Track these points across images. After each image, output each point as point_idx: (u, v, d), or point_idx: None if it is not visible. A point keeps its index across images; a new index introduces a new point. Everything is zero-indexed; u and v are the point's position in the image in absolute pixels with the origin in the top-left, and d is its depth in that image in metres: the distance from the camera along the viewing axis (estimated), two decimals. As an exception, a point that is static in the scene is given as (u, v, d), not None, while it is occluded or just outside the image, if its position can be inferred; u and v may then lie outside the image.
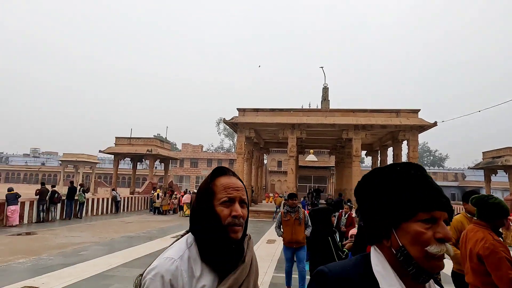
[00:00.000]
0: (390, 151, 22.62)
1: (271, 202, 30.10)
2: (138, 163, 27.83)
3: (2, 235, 10.19)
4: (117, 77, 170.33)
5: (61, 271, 6.06)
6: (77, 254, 7.74)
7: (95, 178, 51.31)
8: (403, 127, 18.66)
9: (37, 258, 7.15)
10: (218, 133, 75.92)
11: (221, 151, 68.14)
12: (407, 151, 19.28)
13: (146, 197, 22.76)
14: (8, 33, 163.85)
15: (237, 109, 20.59)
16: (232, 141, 75.46)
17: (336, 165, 28.92)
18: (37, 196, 13.38)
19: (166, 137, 27.09)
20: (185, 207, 20.50)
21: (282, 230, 5.42)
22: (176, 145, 72.30)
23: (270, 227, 14.52)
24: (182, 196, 20.52)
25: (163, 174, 30.02)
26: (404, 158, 20.72)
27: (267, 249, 9.24)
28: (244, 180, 20.45)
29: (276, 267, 7.12)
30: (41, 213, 13.28)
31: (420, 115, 19.20)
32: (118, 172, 57.25)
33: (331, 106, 23.78)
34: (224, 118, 19.89)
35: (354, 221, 7.74)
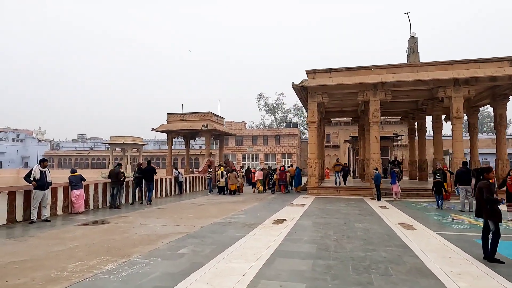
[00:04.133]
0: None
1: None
2: (190, 140, 26.08)
3: (71, 225, 8.42)
4: (157, 59, 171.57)
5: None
6: (176, 253, 5.60)
7: (142, 160, 51.22)
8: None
9: (128, 262, 5.06)
10: (259, 109, 73.44)
11: (263, 128, 65.64)
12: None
13: (204, 177, 20.93)
14: (49, 19, 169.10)
15: (306, 71, 17.73)
16: (274, 117, 72.76)
17: (410, 133, 25.41)
18: (108, 179, 11.62)
19: (218, 113, 24.88)
20: (258, 184, 18.47)
21: None
22: (217, 123, 70.88)
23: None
24: (254, 173, 18.49)
25: (202, 153, 28.29)
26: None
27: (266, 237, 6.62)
28: (316, 153, 17.83)
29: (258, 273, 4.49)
30: (114, 198, 11.54)
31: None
32: (163, 153, 57.15)
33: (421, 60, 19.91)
34: (293, 82, 17.14)
35: None
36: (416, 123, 24.19)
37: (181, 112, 24.06)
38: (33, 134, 76.90)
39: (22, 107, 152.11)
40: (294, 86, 17.22)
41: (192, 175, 19.84)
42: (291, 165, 26.15)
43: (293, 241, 6.37)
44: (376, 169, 14.88)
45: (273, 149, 52.03)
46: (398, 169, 18.50)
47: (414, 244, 6.07)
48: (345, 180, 18.52)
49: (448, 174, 13.96)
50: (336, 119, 43.05)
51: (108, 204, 11.99)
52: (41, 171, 8.92)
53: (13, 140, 68.39)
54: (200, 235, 7.09)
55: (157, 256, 5.34)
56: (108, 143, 50.81)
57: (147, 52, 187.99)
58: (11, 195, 8.55)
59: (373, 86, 16.52)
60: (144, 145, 53.37)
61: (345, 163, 21.16)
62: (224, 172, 18.20)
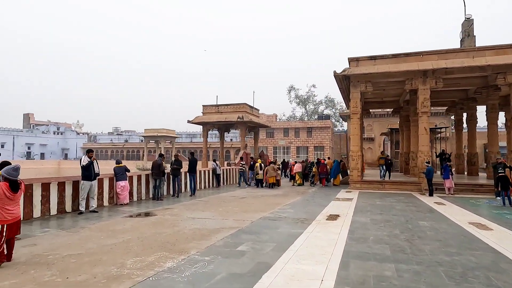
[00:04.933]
0: None
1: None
2: (225, 132, 25.87)
3: (118, 217, 8.29)
4: (190, 51, 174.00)
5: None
6: (235, 250, 5.20)
7: (175, 152, 52.00)
8: None
9: (187, 259, 4.71)
10: (289, 101, 72.32)
11: (294, 120, 64.61)
12: None
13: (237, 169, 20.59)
14: (85, 11, 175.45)
15: (349, 59, 16.84)
16: (305, 109, 71.50)
17: (457, 124, 23.75)
18: (151, 170, 11.52)
19: (253, 104, 24.45)
20: (297, 177, 17.97)
21: None
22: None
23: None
24: (293, 165, 18.01)
25: (239, 144, 27.97)
26: None
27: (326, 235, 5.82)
28: (359, 146, 16.95)
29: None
30: (157, 190, 11.42)
31: None
32: (196, 146, 57.79)
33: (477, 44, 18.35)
34: (335, 71, 16.32)
35: None
36: (465, 114, 22.54)
37: (216, 104, 23.83)
38: (71, 127, 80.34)
39: (61, 102, 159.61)
40: (336, 75, 16.39)
41: (229, 167, 19.57)
42: (329, 158, 25.33)
43: (359, 240, 5.79)
44: (428, 162, 13.86)
45: (305, 141, 51.08)
46: (451, 163, 17.30)
47: (502, 247, 5.31)
48: (389, 174, 17.53)
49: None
50: (372, 110, 41.46)
51: (150, 195, 11.91)
52: (88, 162, 8.86)
53: (54, 133, 71.76)
54: (253, 230, 6.67)
55: (216, 254, 4.96)
56: (142, 136, 51.96)
57: (180, 44, 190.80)
58: (61, 186, 8.54)
59: (423, 73, 15.37)
60: (177, 137, 54.10)
61: (388, 156, 20.07)
62: (262, 165, 17.78)
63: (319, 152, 49.81)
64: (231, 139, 61.11)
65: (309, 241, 5.71)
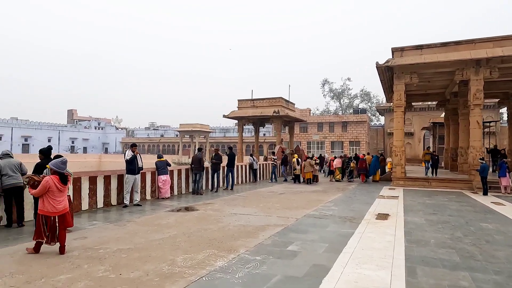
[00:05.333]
0: None
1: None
2: (260, 127, 25.65)
3: (161, 211, 8.31)
4: (225, 46, 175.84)
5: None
6: (286, 250, 4.94)
7: (209, 146, 52.66)
8: None
9: (237, 258, 4.52)
10: (323, 95, 70.90)
11: (328, 114, 63.19)
12: None
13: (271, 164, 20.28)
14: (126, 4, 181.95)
15: (392, 49, 15.97)
16: (339, 103, 69.75)
17: (510, 118, 21.92)
18: (191, 165, 11.55)
19: (289, 98, 23.99)
20: (336, 172, 17.48)
21: None
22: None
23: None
24: (332, 160, 17.56)
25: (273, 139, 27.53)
26: None
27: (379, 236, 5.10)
28: (402, 141, 16.06)
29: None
30: (197, 184, 11.43)
31: None
32: (229, 140, 58.22)
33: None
34: (377, 62, 15.54)
35: None
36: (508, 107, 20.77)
37: (251, 98, 23.65)
38: (111, 122, 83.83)
39: (101, 98, 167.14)
40: (379, 66, 15.60)
41: (265, 162, 19.36)
42: (368, 153, 24.42)
43: (419, 243, 5.33)
44: (482, 158, 12.84)
45: (340, 136, 49.84)
46: (508, 160, 16.00)
47: None
48: (436, 171, 16.51)
49: None
50: (414, 103, 39.52)
51: (190, 190, 11.95)
52: (132, 156, 8.95)
53: (95, 128, 75.26)
54: (300, 229, 6.37)
55: (266, 253, 4.73)
56: (178, 131, 53.11)
57: (214, 39, 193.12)
58: (107, 179, 8.70)
59: (476, 62, 14.24)
60: (211, 132, 54.76)
61: (434, 152, 18.92)
62: (300, 160, 17.40)
63: (354, 147, 48.43)
64: (264, 134, 60.91)
65: (364, 242, 5.33)
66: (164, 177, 10.32)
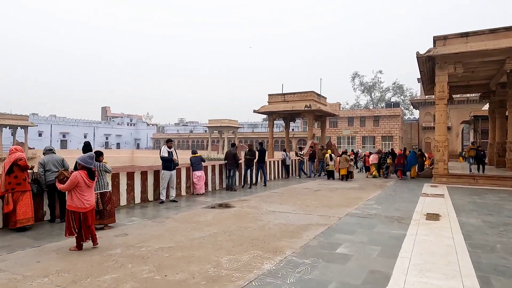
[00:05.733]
0: None
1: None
2: (290, 122, 25.21)
3: (198, 208, 8.19)
4: (253, 41, 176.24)
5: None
6: (335, 252, 4.61)
7: (238, 142, 52.83)
8: None
9: (285, 260, 4.25)
10: (353, 89, 69.16)
11: (359, 108, 61.46)
12: None
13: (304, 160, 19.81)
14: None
15: (434, 37, 15.00)
16: (370, 97, 67.70)
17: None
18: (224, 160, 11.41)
19: (320, 92, 23.37)
20: (372, 168, 16.85)
21: None
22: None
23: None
24: (368, 156, 16.92)
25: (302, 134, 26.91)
26: None
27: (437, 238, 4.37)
28: (445, 135, 15.11)
29: None
30: (231, 180, 11.28)
31: None
32: (257, 136, 58.07)
33: None
34: (418, 52, 14.67)
35: None
36: None
37: (281, 92, 23.25)
38: (142, 118, 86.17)
39: (131, 94, 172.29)
40: (419, 56, 14.72)
41: (297, 158, 18.94)
42: (405, 148, 23.38)
43: (483, 248, 4.81)
44: (539, 154, 11.78)
45: (371, 131, 48.33)
46: None
47: None
48: (483, 167, 15.42)
49: None
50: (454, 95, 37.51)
51: (224, 186, 11.82)
52: (168, 152, 8.89)
53: (128, 124, 77.63)
54: (345, 229, 6.00)
55: (315, 256, 4.41)
56: (206, 126, 53.61)
57: (238, 33, 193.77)
58: (143, 175, 8.69)
59: (530, 49, 13.07)
60: (239, 127, 54.85)
61: (480, 147, 17.71)
62: (333, 155, 16.87)
63: (387, 142, 46.83)
64: (293, 129, 60.24)
65: (420, 246, 4.88)
66: (199, 173, 10.23)
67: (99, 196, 5.74)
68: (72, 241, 4.83)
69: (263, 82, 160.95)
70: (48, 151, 6.43)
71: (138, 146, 74.71)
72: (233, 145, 11.72)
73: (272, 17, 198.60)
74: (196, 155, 10.37)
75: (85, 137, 65.56)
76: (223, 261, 4.21)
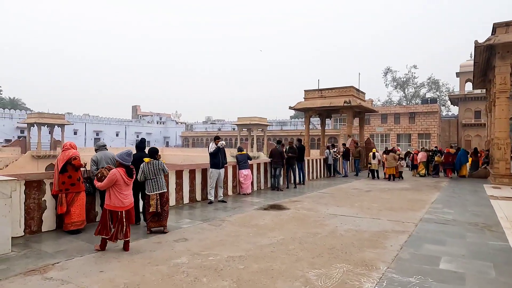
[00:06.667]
0: None
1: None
2: (326, 119, 24.27)
3: (250, 209, 7.62)
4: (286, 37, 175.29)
5: None
6: (439, 268, 3.86)
7: (267, 140, 52.15)
8: None
9: (384, 277, 3.56)
10: (385, 85, 66.53)
11: (392, 105, 59.13)
12: None
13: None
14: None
15: (495, 24, 13.70)
16: (404, 93, 65.03)
17: None
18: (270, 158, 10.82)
19: (359, 87, 22.23)
20: (421, 166, 15.80)
21: None
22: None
23: None
24: (416, 154, 15.88)
25: (337, 132, 25.66)
26: None
27: None
28: (507, 131, 13.76)
29: None
30: (277, 179, 10.65)
31: None
32: (286, 133, 57.22)
33: None
34: (476, 40, 13.42)
35: None
36: None
37: (318, 88, 22.36)
38: (171, 117, 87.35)
39: (161, 94, 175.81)
40: (478, 45, 13.46)
41: (338, 156, 18.04)
42: (451, 146, 21.91)
43: None
44: None
45: (407, 128, 46.23)
46: None
47: None
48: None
49: None
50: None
51: (268, 185, 11.22)
52: (216, 149, 8.38)
53: (157, 123, 78.86)
54: (431, 238, 5.21)
55: (417, 273, 3.69)
56: (235, 124, 53.25)
57: (276, 31, 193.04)
58: (192, 174, 8.23)
59: None
60: (269, 125, 54.16)
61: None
62: (377, 154, 15.86)
63: (424, 140, 44.64)
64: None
65: (542, 263, 4.04)
66: (246, 172, 9.67)
67: (158, 197, 5.28)
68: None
69: (288, 80, 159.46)
70: (101, 147, 6.05)
71: (167, 144, 75.75)
72: (279, 142, 11.05)
73: (296, 11, 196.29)
74: (243, 152, 9.82)
75: (117, 135, 67.20)
76: (311, 276, 3.58)
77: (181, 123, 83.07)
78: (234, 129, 63.06)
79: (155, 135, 75.63)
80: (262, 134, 52.65)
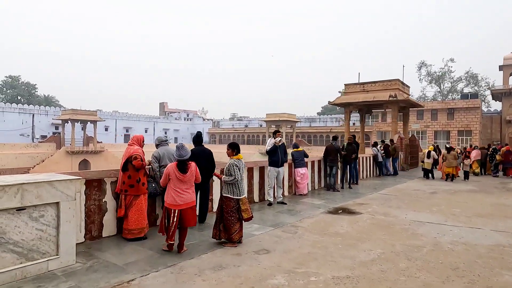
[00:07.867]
0: None
1: None
2: (366, 114, 23.04)
3: (316, 212, 6.80)
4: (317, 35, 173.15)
5: None
6: None
7: (295, 137, 51.08)
8: None
9: None
10: (419, 79, 63.68)
11: (428, 101, 56.38)
12: None
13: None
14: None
15: None
16: (439, 88, 61.95)
17: None
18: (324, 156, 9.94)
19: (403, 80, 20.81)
20: (475, 165, 14.52)
21: None
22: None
23: None
24: (469, 152, 14.58)
25: (364, 129, 24.32)
26: None
27: None
28: None
29: None
30: (333, 179, 9.76)
31: None
32: (315, 130, 55.89)
33: None
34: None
35: None
36: None
37: (358, 81, 21.15)
38: (198, 113, 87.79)
39: (188, 91, 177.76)
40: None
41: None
42: (507, 144, 20.17)
43: None
44: None
45: (445, 125, 43.82)
46: None
47: None
48: None
49: None
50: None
51: (322, 185, 10.36)
52: (273, 146, 7.60)
53: (184, 119, 79.40)
54: None
55: None
56: (264, 120, 52.53)
57: (309, 29, 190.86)
58: (249, 172, 7.50)
59: None
60: (297, 122, 53.04)
61: None
62: (432, 152, 14.59)
63: (464, 137, 42.18)
64: (354, 123, 57.11)
65: None
66: (303, 170, 8.85)
67: (240, 203, 4.55)
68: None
69: (314, 77, 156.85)
70: (162, 142, 5.40)
71: (194, 141, 76.09)
72: (335, 138, 10.14)
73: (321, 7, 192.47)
74: (299, 149, 8.99)
75: (145, 131, 68.07)
76: (465, 313, 2.72)
77: (208, 119, 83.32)
78: (261, 125, 62.31)
79: (183, 131, 76.22)
80: (291, 131, 51.61)
